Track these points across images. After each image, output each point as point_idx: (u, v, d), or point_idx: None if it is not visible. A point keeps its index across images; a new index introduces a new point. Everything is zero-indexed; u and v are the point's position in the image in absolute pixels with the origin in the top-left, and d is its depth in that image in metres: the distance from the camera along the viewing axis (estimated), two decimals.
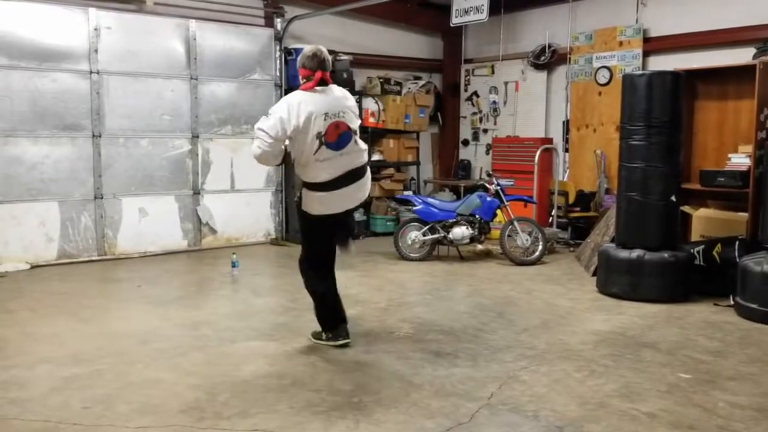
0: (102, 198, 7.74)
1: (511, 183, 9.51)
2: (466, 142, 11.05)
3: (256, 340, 4.81)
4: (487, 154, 10.62)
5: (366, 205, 9.65)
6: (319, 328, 4.75)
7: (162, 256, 8.06)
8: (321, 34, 9.41)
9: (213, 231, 8.60)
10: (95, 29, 7.54)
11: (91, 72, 7.55)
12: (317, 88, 4.33)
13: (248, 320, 5.34)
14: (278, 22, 8.94)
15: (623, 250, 6.12)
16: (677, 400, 3.75)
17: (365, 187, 4.55)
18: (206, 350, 4.59)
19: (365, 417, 3.50)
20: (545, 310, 5.69)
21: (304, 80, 4.37)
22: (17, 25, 7.12)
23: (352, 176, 4.40)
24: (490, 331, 5.04)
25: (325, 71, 4.36)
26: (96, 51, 7.56)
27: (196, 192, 8.42)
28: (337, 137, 4.30)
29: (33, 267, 7.28)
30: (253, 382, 4.00)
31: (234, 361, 4.35)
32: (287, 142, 4.31)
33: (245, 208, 8.87)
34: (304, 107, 4.22)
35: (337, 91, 4.46)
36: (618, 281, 6.07)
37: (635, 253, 6.00)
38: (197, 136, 8.36)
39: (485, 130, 10.75)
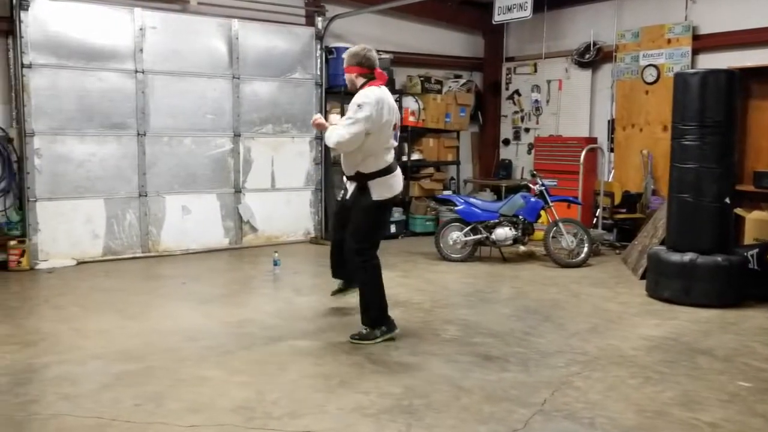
0: (146, 196, 7.81)
1: (554, 183, 9.35)
2: (506, 142, 10.91)
3: (302, 339, 4.79)
4: (529, 153, 10.48)
5: (405, 205, 9.62)
6: (361, 330, 4.74)
7: (204, 254, 8.11)
8: (361, 32, 9.38)
9: (254, 229, 8.62)
10: (140, 29, 7.62)
11: (136, 71, 7.63)
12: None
13: (292, 319, 5.32)
14: (319, 21, 8.93)
15: (675, 253, 5.95)
16: (739, 410, 3.62)
17: None
18: (253, 349, 4.58)
19: (416, 421, 3.44)
20: (594, 313, 5.57)
21: (363, 78, 4.65)
22: (65, 25, 7.22)
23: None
24: (539, 335, 4.93)
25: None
26: (141, 50, 7.64)
27: (238, 190, 8.46)
28: (397, 128, 4.79)
29: (79, 263, 7.38)
30: (301, 381, 3.97)
31: (281, 360, 4.33)
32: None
33: (285, 207, 8.88)
34: (389, 102, 4.62)
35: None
36: (669, 285, 5.90)
37: (687, 257, 5.83)
38: (239, 135, 8.39)
39: (527, 130, 10.60)
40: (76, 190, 7.42)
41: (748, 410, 3.62)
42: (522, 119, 10.67)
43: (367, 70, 4.63)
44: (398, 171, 4.77)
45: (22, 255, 7.06)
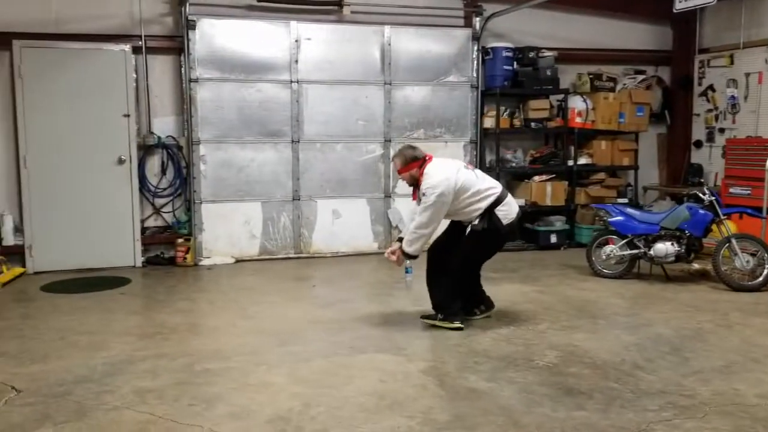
0: (299, 199, 8.19)
1: (748, 192, 8.10)
2: (698, 144, 9.66)
3: (386, 353, 4.64)
4: (723, 157, 9.17)
5: (569, 213, 8.98)
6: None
7: (353, 257, 8.28)
8: (524, 29, 8.95)
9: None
10: (296, 41, 7.99)
11: (291, 82, 8.02)
12: None
13: (392, 329, 5.20)
14: (476, 21, 8.65)
15: None
16: None
17: None
18: (331, 358, 4.54)
19: None
20: (738, 349, 4.68)
21: (419, 167, 5.19)
22: (227, 41, 7.82)
23: None
24: (650, 371, 4.26)
25: None
26: (296, 62, 8.01)
27: (387, 195, 8.52)
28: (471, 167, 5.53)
29: (237, 261, 7.96)
30: (353, 399, 3.84)
31: (349, 373, 4.24)
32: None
33: None
34: (451, 165, 5.32)
35: None
36: None
37: None
38: (390, 141, 8.43)
39: (721, 130, 9.29)
40: (236, 193, 8.00)
41: None
42: (716, 118, 9.37)
43: (420, 161, 5.16)
44: (508, 198, 5.23)
45: (187, 252, 7.79)
